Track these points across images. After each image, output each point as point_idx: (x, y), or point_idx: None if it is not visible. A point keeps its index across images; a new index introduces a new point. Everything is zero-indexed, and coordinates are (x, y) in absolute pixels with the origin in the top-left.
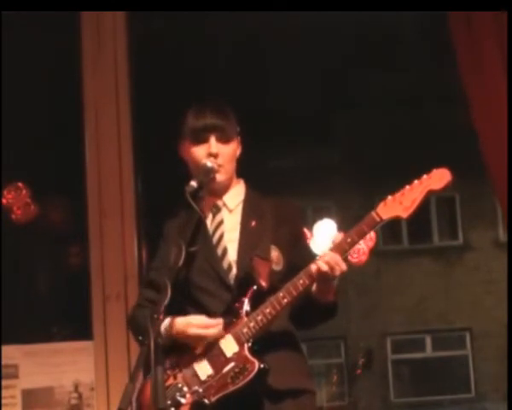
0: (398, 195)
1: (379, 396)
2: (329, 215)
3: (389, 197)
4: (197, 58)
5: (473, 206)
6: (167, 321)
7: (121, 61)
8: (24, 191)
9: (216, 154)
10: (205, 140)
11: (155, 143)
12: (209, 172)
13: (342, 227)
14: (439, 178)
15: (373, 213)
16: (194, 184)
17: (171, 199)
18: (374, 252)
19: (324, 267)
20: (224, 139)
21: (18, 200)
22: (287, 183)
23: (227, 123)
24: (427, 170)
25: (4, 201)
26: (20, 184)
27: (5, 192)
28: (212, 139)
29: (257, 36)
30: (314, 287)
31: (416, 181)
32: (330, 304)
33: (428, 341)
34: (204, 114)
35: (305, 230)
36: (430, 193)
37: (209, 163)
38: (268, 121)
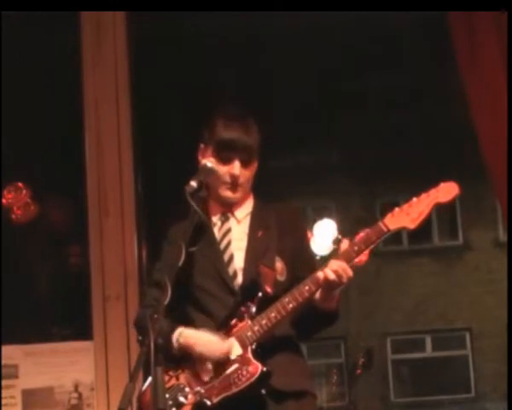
0: (405, 206)
1: (379, 396)
2: (329, 215)
3: (396, 209)
4: (197, 57)
5: (473, 206)
6: (177, 332)
7: (121, 61)
8: (24, 191)
9: (237, 176)
10: (229, 160)
11: (156, 143)
12: (209, 173)
13: (342, 227)
14: (446, 191)
15: (380, 224)
16: (193, 184)
17: (171, 199)
18: (374, 252)
19: (332, 276)
20: (246, 162)
21: (18, 200)
22: (287, 183)
23: (253, 143)
24: (427, 170)
25: (4, 201)
26: (20, 184)
27: (5, 192)
28: (236, 162)
29: (257, 35)
30: (317, 294)
31: (423, 194)
32: (332, 311)
33: (428, 341)
34: (233, 128)
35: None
36: (437, 205)
37: (209, 163)
38: (268, 121)
